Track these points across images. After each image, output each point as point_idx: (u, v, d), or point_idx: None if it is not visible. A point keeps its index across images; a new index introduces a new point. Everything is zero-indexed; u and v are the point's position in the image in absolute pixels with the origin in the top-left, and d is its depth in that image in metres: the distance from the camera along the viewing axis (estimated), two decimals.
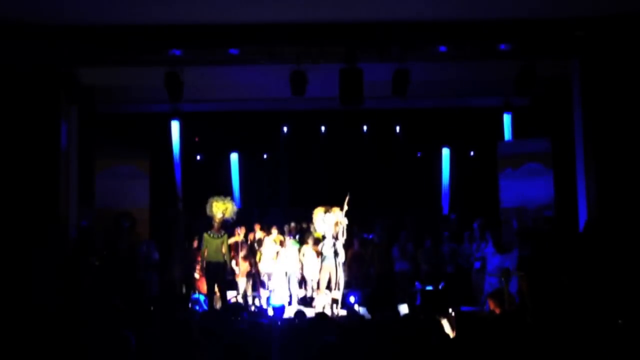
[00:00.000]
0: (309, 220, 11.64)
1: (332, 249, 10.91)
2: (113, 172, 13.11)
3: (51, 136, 10.72)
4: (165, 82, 10.22)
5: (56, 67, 10.54)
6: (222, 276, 10.98)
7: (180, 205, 14.20)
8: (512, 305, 9.32)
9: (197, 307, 10.65)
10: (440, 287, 11.05)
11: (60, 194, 10.84)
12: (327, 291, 11.00)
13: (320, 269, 11.05)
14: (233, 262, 11.77)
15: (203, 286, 11.51)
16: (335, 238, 10.99)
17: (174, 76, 10.17)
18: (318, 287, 11.15)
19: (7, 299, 9.21)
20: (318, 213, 11.16)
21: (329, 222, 11.01)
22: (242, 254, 11.78)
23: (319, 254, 11.15)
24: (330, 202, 11.24)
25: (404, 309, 10.28)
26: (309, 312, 9.53)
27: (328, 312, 10.42)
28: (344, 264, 11.81)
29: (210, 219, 11.11)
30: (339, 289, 11.01)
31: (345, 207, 10.99)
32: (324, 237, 11.15)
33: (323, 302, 10.93)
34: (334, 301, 11.02)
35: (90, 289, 10.33)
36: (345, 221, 11.02)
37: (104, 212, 12.65)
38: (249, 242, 12.14)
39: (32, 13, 9.15)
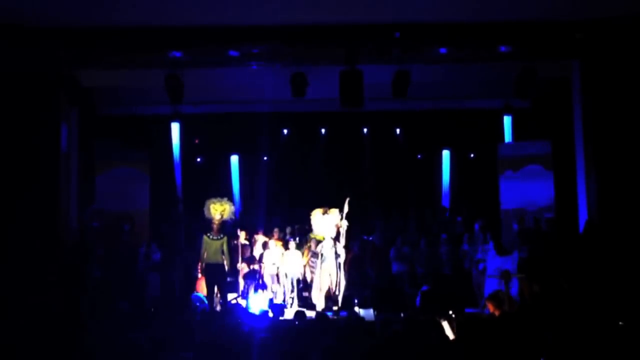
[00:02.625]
0: (309, 222, 11.64)
1: (332, 250, 10.92)
2: (113, 174, 13.11)
3: (52, 138, 10.72)
4: (165, 84, 10.23)
5: (57, 70, 10.55)
6: (220, 278, 10.95)
7: (181, 207, 14.19)
8: (512, 307, 9.32)
9: (199, 304, 10.63)
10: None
11: (61, 196, 10.84)
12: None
13: (320, 270, 11.06)
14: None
15: (202, 287, 11.50)
16: (336, 240, 10.99)
17: (175, 78, 10.18)
18: (320, 289, 11.16)
19: (7, 302, 9.21)
20: (316, 214, 11.17)
21: (327, 223, 11.01)
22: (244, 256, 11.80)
23: (319, 255, 11.14)
24: (330, 204, 11.23)
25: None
26: (309, 314, 9.55)
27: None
28: (344, 265, 11.83)
29: (209, 221, 11.09)
30: (339, 291, 11.01)
31: (346, 210, 11.00)
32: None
33: (323, 303, 10.94)
34: (334, 302, 11.01)
35: (93, 291, 10.33)
36: (345, 223, 11.02)
37: (106, 213, 12.66)
38: (252, 245, 12.14)
39: (33, 15, 9.16)
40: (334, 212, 11.06)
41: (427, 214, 14.60)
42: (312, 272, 11.49)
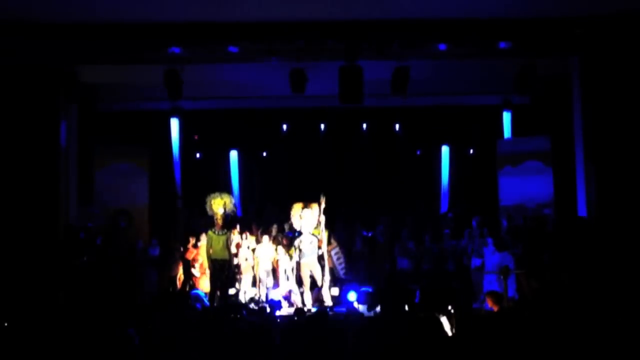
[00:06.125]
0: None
1: (312, 246, 10.89)
2: (112, 169, 13.12)
3: (51, 134, 10.74)
4: (164, 80, 10.22)
5: (56, 65, 10.54)
6: (226, 274, 10.96)
7: (180, 203, 14.19)
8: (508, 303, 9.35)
9: (198, 305, 10.65)
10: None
11: (60, 192, 10.85)
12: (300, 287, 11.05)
13: (299, 266, 11.02)
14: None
15: (201, 283, 11.52)
16: (316, 235, 10.98)
17: (174, 74, 10.17)
18: (301, 284, 11.13)
19: (6, 297, 9.23)
20: (296, 209, 11.14)
21: (306, 218, 11.00)
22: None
23: (298, 250, 11.06)
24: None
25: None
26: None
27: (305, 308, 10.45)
28: (345, 261, 11.86)
29: (211, 218, 11.10)
30: (325, 284, 10.99)
31: (323, 205, 10.99)
32: (300, 233, 11.12)
33: (307, 299, 10.94)
34: (318, 298, 11.04)
35: (87, 288, 10.33)
36: (323, 218, 11.01)
37: (103, 210, 12.67)
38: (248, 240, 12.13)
39: (31, 11, 9.14)
40: (314, 207, 11.04)
41: (426, 210, 14.60)
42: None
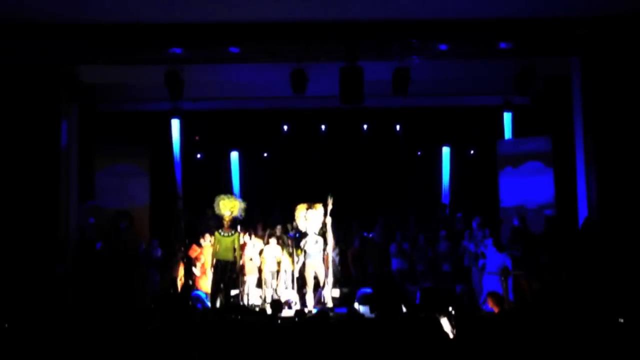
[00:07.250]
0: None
1: (317, 246, 10.89)
2: (113, 170, 13.12)
3: (51, 134, 10.74)
4: (165, 81, 10.22)
5: (57, 66, 10.55)
6: (229, 275, 10.98)
7: (181, 203, 14.19)
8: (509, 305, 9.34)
9: (199, 305, 10.65)
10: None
11: (61, 192, 10.85)
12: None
13: (304, 267, 11.02)
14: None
15: (201, 284, 11.52)
16: (321, 235, 10.98)
17: (175, 74, 10.17)
18: (304, 285, 11.14)
19: (6, 298, 9.23)
20: (300, 210, 11.15)
21: (311, 219, 11.00)
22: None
23: (303, 251, 11.06)
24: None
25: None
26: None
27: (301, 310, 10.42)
28: (342, 262, 11.85)
29: (216, 218, 11.13)
30: (327, 285, 10.99)
31: (330, 207, 11.00)
32: (305, 234, 11.11)
33: (309, 300, 10.93)
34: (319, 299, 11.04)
35: (84, 290, 10.33)
36: (329, 220, 11.01)
37: (104, 210, 12.68)
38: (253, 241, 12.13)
39: (33, 11, 9.15)
40: (319, 207, 11.05)
41: (427, 211, 14.60)
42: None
